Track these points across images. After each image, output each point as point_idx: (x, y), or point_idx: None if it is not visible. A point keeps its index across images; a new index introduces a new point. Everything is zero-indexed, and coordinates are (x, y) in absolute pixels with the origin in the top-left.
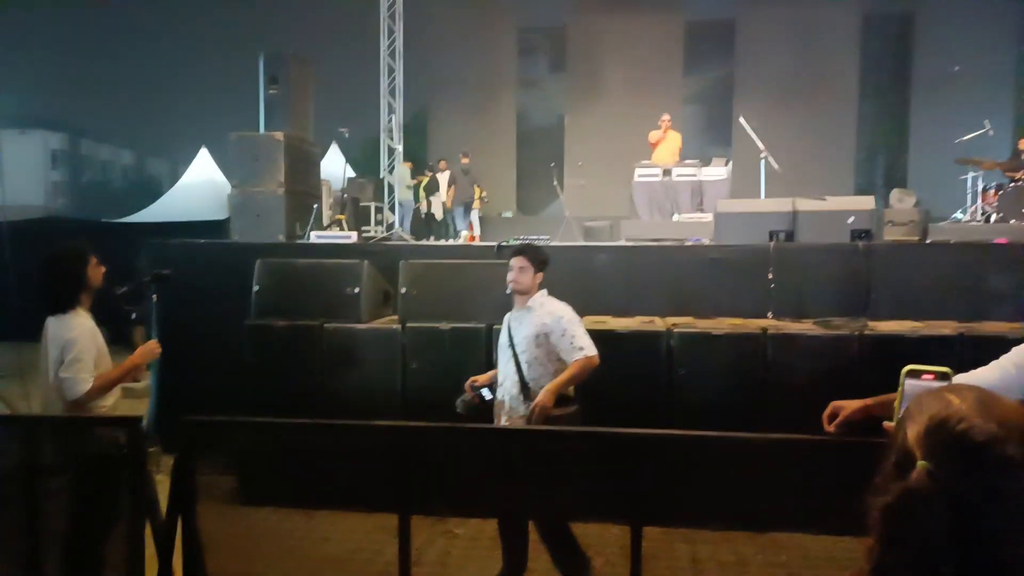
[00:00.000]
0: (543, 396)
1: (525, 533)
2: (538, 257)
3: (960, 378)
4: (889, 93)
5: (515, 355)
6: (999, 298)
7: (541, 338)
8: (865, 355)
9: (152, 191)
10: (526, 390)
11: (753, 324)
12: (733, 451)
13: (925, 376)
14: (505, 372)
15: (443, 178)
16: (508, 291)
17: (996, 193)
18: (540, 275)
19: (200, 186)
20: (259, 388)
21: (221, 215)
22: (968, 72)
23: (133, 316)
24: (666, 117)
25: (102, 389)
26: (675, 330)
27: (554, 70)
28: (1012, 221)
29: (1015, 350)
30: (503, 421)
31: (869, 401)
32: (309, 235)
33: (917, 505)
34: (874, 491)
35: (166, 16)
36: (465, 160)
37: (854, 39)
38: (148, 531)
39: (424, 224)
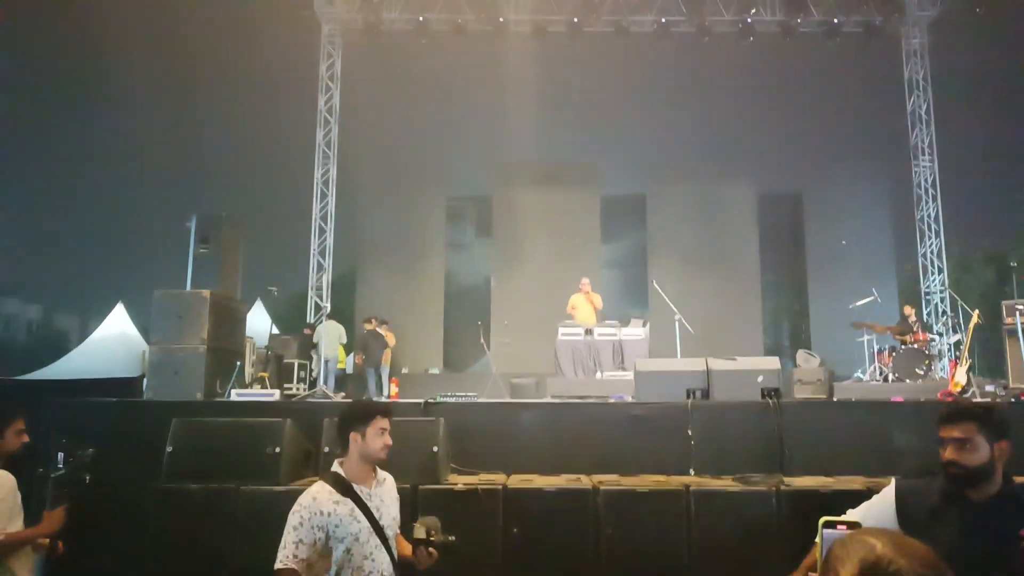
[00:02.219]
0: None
1: None
2: None
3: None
4: (787, 263)
5: (385, 539)
6: (901, 453)
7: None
8: (783, 509)
9: (59, 347)
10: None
11: (676, 481)
12: None
13: (840, 526)
14: (374, 564)
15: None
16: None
17: (890, 355)
18: None
19: (110, 341)
20: (167, 556)
21: (133, 372)
22: (854, 246)
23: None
24: (585, 280)
25: (9, 547)
26: (601, 487)
27: (481, 235)
28: (907, 380)
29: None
30: None
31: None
32: (230, 393)
33: None
34: None
35: (87, 171)
36: (371, 326)
37: (752, 214)
38: None
39: (343, 382)
